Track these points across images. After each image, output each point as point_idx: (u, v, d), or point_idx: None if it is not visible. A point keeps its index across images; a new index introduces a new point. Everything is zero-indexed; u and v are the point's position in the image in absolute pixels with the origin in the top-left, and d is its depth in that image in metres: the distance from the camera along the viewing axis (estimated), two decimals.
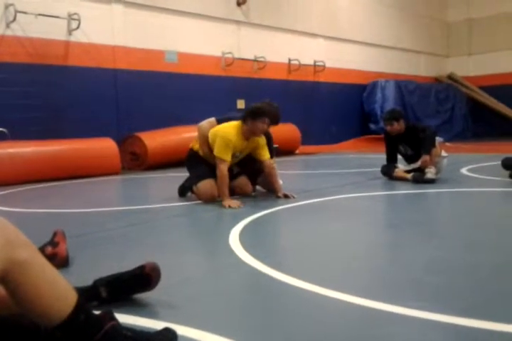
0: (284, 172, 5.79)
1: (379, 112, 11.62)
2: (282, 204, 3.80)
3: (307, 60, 10.91)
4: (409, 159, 5.19)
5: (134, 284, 1.73)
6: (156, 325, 1.50)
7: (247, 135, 3.96)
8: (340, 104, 11.75)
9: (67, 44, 7.13)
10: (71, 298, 1.21)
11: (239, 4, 9.47)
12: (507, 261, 2.18)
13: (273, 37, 10.21)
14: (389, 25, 13.30)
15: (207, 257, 2.50)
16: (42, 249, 2.15)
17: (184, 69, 8.58)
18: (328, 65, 11.27)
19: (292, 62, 10.60)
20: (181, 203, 4.07)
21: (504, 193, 4.35)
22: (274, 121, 4.00)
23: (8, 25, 6.51)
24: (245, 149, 4.06)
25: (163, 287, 1.77)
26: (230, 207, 3.68)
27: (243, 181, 4.23)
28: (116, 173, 6.70)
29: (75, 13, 7.03)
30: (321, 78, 11.33)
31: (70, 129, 7.00)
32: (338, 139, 11.60)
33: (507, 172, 4.86)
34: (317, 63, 11.16)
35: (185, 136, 6.95)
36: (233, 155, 3.94)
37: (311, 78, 11.14)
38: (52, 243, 2.25)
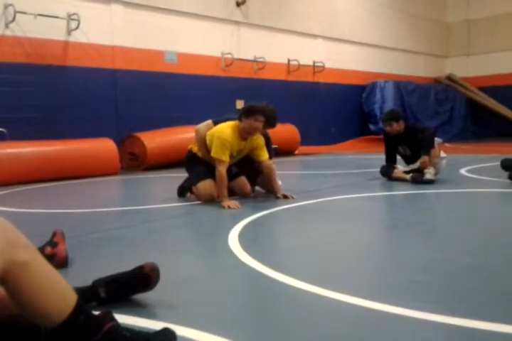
0: (283, 172, 5.79)
1: (378, 113, 11.64)
2: (281, 205, 3.80)
3: (306, 60, 10.91)
4: (409, 160, 5.19)
5: (133, 284, 1.73)
6: (155, 325, 1.50)
7: (244, 135, 3.96)
8: (339, 104, 11.76)
9: (66, 44, 7.13)
10: (71, 299, 1.21)
11: (238, 5, 9.48)
12: (506, 262, 2.18)
13: (272, 37, 10.22)
14: (388, 25, 13.31)
15: (206, 258, 2.50)
16: (41, 249, 2.15)
17: (184, 69, 8.58)
18: (327, 65, 11.28)
19: (291, 62, 10.61)
20: (180, 203, 4.07)
21: (503, 194, 4.35)
22: (270, 122, 3.99)
23: (7, 26, 6.50)
24: (243, 150, 4.06)
25: (162, 287, 1.77)
26: (229, 207, 3.69)
27: (242, 182, 4.23)
28: (115, 174, 6.70)
29: (75, 14, 7.03)
30: (321, 79, 11.34)
31: (69, 129, 7.00)
32: (337, 140, 11.61)
33: (506, 173, 4.86)
34: (316, 64, 11.16)
35: (184, 136, 6.95)
36: (231, 156, 3.94)
37: (310, 79, 11.15)
38: (52, 243, 2.25)
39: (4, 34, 6.51)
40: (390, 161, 5.27)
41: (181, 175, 4.64)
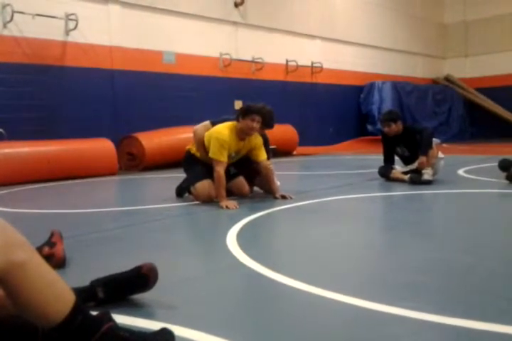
0: (282, 173, 5.79)
1: (376, 113, 11.66)
2: (280, 205, 3.80)
3: (304, 61, 10.93)
4: (407, 160, 5.20)
5: (131, 285, 1.72)
6: (153, 325, 1.50)
7: (241, 135, 3.96)
8: (337, 105, 11.78)
9: (64, 44, 7.12)
10: (69, 299, 1.21)
11: (236, 5, 9.48)
12: (504, 262, 2.18)
13: (270, 38, 10.23)
14: (386, 26, 13.33)
15: (204, 258, 2.50)
16: (39, 250, 2.15)
17: (182, 70, 8.58)
18: (325, 66, 11.29)
19: (290, 63, 10.61)
20: (179, 204, 4.07)
21: (501, 195, 4.36)
22: (267, 122, 3.99)
23: (5, 26, 6.50)
24: (241, 150, 4.06)
25: (160, 288, 1.77)
26: (227, 207, 3.69)
27: (240, 182, 4.23)
28: (113, 174, 6.69)
29: (73, 14, 7.03)
30: (319, 79, 11.35)
31: (67, 130, 6.99)
32: (335, 140, 11.63)
33: (503, 174, 4.87)
34: (314, 64, 11.17)
35: (182, 136, 6.95)
36: (229, 156, 3.94)
37: (308, 79, 11.16)
38: (50, 243, 2.25)
39: (2, 34, 6.50)
40: (388, 162, 5.27)
41: (179, 176, 4.63)
